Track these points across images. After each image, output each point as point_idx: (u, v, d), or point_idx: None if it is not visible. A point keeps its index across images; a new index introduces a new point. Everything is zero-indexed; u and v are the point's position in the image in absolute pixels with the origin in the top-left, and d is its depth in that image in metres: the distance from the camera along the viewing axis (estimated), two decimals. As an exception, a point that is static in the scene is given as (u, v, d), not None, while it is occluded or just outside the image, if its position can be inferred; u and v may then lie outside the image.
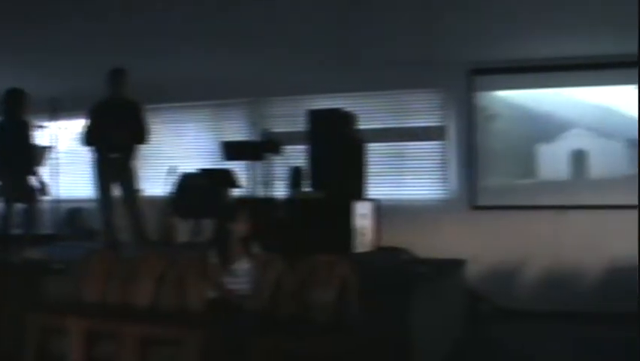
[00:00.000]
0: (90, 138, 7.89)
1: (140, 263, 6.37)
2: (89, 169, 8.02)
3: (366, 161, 8.49)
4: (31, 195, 7.87)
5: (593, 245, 8.70)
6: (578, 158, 9.14)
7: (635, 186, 8.47)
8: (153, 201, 8.99)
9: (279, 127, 9.57)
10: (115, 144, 7.80)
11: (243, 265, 5.30)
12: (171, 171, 9.16)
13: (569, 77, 9.10)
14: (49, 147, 9.32)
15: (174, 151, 10.72)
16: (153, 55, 8.76)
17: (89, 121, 7.94)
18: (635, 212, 8.29)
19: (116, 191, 7.92)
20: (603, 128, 9.09)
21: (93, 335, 5.71)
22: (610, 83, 9.03)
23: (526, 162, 9.37)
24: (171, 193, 8.97)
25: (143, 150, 8.41)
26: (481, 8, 7.26)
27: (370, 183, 8.56)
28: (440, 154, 9.73)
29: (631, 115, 8.88)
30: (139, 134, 7.92)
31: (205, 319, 5.26)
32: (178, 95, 10.53)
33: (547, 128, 9.28)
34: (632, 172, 8.80)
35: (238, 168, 9.13)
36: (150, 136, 8.08)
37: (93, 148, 7.91)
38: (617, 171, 8.98)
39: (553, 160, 9.24)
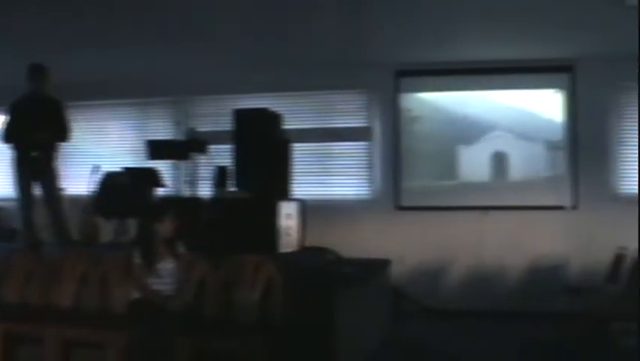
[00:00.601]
0: (10, 135, 7.69)
1: (62, 264, 6.28)
2: (8, 167, 7.82)
3: (292, 161, 8.51)
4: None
5: (516, 245, 8.95)
6: (499, 160, 9.33)
7: (554, 188, 8.75)
8: (76, 200, 8.81)
9: (205, 126, 9.49)
10: (36, 142, 7.63)
11: (167, 266, 5.24)
12: (95, 169, 9.01)
13: (491, 81, 9.30)
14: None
15: (98, 149, 10.53)
16: (76, 52, 8.62)
17: (8, 118, 7.75)
18: (555, 213, 8.57)
19: (37, 190, 7.76)
20: (523, 130, 9.32)
21: (13, 338, 5.61)
22: (530, 87, 9.28)
23: (449, 164, 9.53)
24: (94, 192, 8.82)
25: (66, 148, 8.26)
26: (407, 11, 7.36)
27: (295, 183, 8.59)
28: (365, 155, 9.82)
29: (550, 118, 9.14)
30: (61, 132, 7.76)
31: (129, 320, 5.20)
32: (102, 93, 10.36)
33: (469, 130, 9.47)
34: (551, 174, 9.07)
35: (163, 167, 9.03)
36: (73, 134, 7.93)
37: (13, 146, 7.71)
38: (536, 173, 9.23)
39: (474, 162, 9.42)
